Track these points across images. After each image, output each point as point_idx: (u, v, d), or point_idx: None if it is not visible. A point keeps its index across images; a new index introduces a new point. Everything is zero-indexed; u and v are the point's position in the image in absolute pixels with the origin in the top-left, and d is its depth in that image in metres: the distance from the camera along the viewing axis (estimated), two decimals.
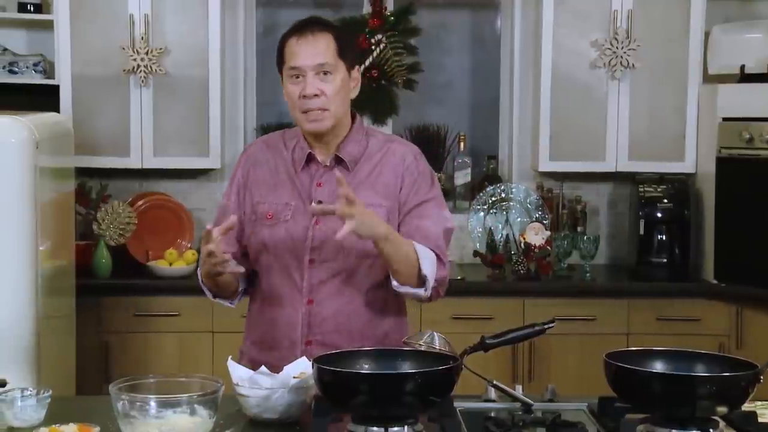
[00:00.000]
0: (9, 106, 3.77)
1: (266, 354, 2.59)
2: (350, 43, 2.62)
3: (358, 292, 2.56)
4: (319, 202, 2.53)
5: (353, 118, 2.65)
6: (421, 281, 2.50)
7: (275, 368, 2.37)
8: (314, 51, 2.50)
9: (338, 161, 2.59)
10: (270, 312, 2.61)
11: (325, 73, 2.50)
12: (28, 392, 2.26)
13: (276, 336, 2.59)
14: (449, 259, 4.81)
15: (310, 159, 2.59)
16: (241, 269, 2.47)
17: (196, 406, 2.10)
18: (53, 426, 2.12)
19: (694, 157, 4.65)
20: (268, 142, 2.71)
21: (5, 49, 4.63)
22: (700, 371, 2.18)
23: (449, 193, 5.01)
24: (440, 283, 2.55)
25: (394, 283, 2.50)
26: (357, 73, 2.60)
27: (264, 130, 4.86)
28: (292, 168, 2.61)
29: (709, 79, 4.64)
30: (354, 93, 2.61)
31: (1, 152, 3.39)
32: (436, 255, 2.53)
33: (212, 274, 2.48)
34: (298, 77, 2.51)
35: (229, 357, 2.41)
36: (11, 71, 4.58)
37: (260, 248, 2.61)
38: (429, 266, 2.49)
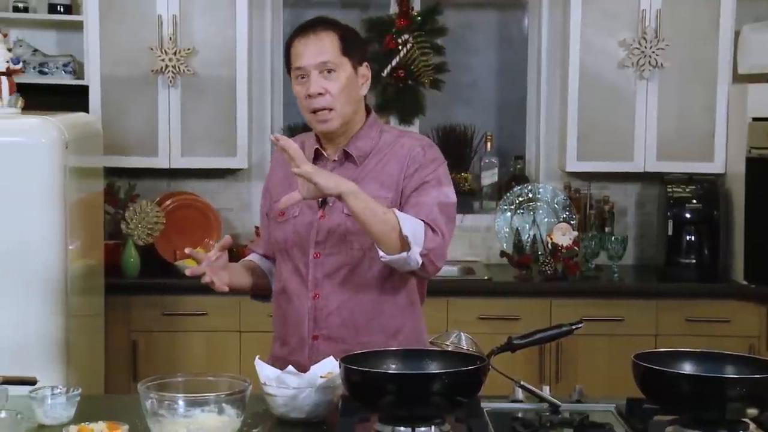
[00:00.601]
0: (39, 106, 3.80)
1: (283, 349, 2.62)
2: (356, 40, 2.61)
3: (362, 286, 2.55)
4: (324, 198, 2.52)
5: (368, 113, 2.65)
6: (404, 243, 2.39)
7: (290, 364, 2.40)
8: (317, 50, 2.50)
9: (347, 156, 2.59)
10: (282, 308, 2.64)
11: (329, 71, 2.50)
12: (58, 390, 2.28)
13: (287, 331, 2.62)
14: (477, 260, 4.84)
15: (318, 155, 2.61)
16: (225, 289, 2.51)
17: (223, 405, 2.11)
18: (82, 424, 2.13)
19: (724, 158, 4.62)
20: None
21: (35, 50, 4.67)
22: (730, 373, 2.16)
23: (476, 193, 5.00)
24: (433, 252, 2.43)
25: (380, 253, 2.41)
26: (366, 69, 2.60)
27: (291, 130, 4.87)
28: None
29: (738, 78, 4.60)
30: (363, 90, 2.60)
31: (31, 152, 3.42)
32: (428, 225, 2.44)
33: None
34: (303, 77, 2.52)
35: (257, 356, 2.42)
36: (41, 72, 4.62)
37: (275, 246, 2.65)
38: (411, 228, 2.38)
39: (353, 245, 2.54)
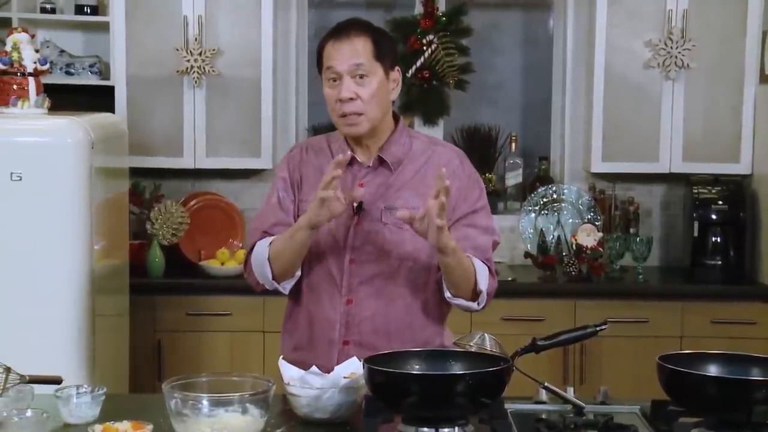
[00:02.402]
0: (65, 106, 3.82)
1: (304, 354, 2.58)
2: (389, 45, 2.61)
3: (398, 294, 2.56)
4: (360, 202, 2.54)
5: (396, 120, 2.65)
6: (475, 295, 2.53)
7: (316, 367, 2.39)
8: (350, 53, 2.50)
9: (381, 162, 2.59)
10: (309, 311, 2.61)
11: (362, 76, 2.50)
12: (83, 390, 2.30)
13: (314, 335, 2.59)
14: (501, 260, 4.83)
15: (352, 160, 2.60)
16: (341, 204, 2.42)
17: (247, 405, 2.12)
18: (107, 423, 2.14)
19: (750, 159, 4.59)
20: (311, 144, 2.72)
21: (62, 51, 4.70)
22: (756, 375, 2.15)
23: (500, 194, 4.99)
24: (490, 296, 2.58)
25: (448, 294, 2.54)
26: (397, 74, 2.60)
27: (315, 130, 4.88)
28: None
29: (766, 79, 4.57)
30: (394, 95, 2.60)
31: (58, 152, 3.44)
32: (488, 269, 2.56)
33: (312, 224, 2.43)
34: (335, 80, 2.52)
35: (281, 357, 2.42)
36: (68, 72, 4.65)
37: None
38: (484, 281, 2.52)
39: (390, 254, 2.55)
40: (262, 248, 2.57)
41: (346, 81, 2.50)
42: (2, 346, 3.07)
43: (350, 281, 2.56)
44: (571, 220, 4.77)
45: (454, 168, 2.59)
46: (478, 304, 2.55)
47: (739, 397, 2.02)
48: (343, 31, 2.54)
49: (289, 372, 2.33)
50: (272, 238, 2.58)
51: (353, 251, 2.55)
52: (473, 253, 2.53)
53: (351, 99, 2.50)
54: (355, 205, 2.55)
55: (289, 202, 2.64)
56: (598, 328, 2.39)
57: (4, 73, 3.61)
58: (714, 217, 4.56)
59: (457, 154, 2.65)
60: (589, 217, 4.73)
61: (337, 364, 2.45)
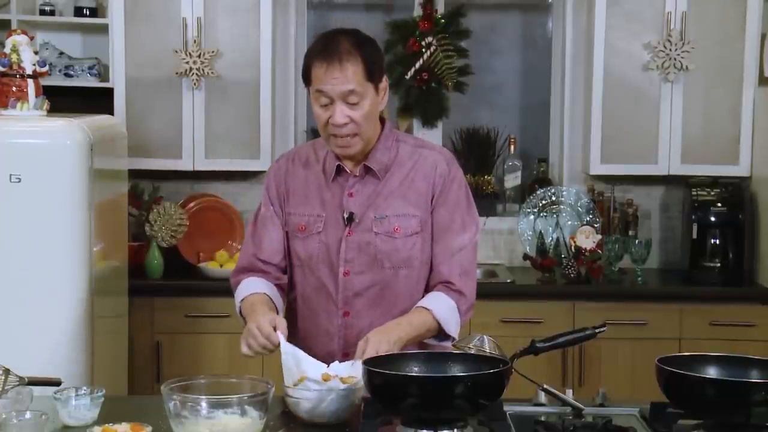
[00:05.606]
0: (64, 108, 3.82)
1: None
2: (378, 60, 2.52)
3: (394, 303, 2.55)
4: (351, 213, 2.53)
5: (382, 123, 2.61)
6: (447, 336, 2.57)
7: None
8: (342, 80, 2.42)
9: (367, 170, 2.57)
10: (307, 324, 2.62)
11: (354, 103, 2.44)
12: (82, 391, 2.30)
13: (313, 348, 2.56)
14: (500, 262, 4.82)
15: (339, 170, 2.58)
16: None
17: (246, 407, 2.12)
18: (106, 425, 2.15)
19: (749, 160, 4.59)
20: (298, 154, 2.69)
21: (61, 53, 4.70)
22: (755, 377, 2.15)
23: (499, 196, 4.99)
24: (466, 316, 2.60)
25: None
26: (385, 82, 2.54)
27: (314, 132, 4.87)
28: (323, 179, 2.60)
29: (764, 81, 4.57)
30: (383, 104, 2.56)
31: (57, 154, 3.44)
32: (459, 293, 2.56)
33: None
34: (325, 105, 2.45)
35: (279, 333, 2.41)
36: (67, 74, 4.65)
37: (295, 260, 2.62)
38: (453, 324, 2.55)
39: (383, 264, 2.54)
40: (237, 297, 2.69)
41: (338, 106, 2.44)
42: (1, 348, 3.08)
43: (345, 293, 2.55)
44: (570, 222, 4.77)
45: (441, 171, 2.58)
46: (451, 341, 2.55)
47: (738, 399, 2.02)
48: (333, 53, 2.43)
49: (286, 349, 2.36)
50: (246, 293, 2.64)
51: (347, 263, 2.54)
52: (449, 269, 2.55)
53: (345, 123, 2.45)
54: (345, 216, 2.54)
55: (276, 217, 2.64)
56: (596, 330, 2.38)
57: (3, 75, 3.61)
58: (713, 219, 4.56)
59: (444, 157, 2.62)
60: (588, 219, 4.73)
61: None
